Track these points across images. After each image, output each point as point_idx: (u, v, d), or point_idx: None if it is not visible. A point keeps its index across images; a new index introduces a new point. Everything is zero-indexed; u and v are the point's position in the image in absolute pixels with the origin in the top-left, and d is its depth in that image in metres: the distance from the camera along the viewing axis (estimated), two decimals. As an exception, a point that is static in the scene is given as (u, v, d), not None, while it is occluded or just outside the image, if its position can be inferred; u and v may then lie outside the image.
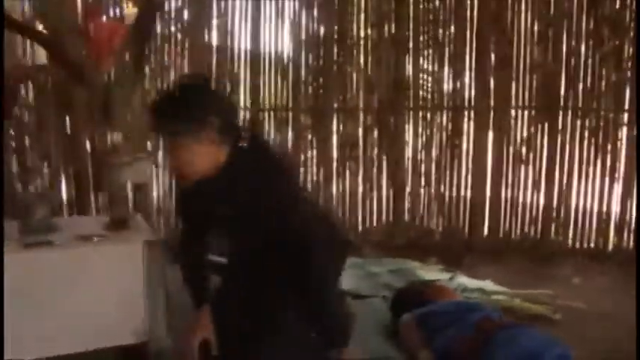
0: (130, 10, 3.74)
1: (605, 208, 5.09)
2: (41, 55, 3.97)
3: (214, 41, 5.04)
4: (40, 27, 3.89)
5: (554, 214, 5.19)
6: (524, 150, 5.24)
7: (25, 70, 4.15)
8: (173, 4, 4.68)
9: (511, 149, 5.26)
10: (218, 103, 2.19)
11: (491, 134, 5.26)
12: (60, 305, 2.55)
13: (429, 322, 2.70)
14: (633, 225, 4.97)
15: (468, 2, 5.14)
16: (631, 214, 4.97)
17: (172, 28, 4.88)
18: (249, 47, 5.11)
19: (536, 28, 5.11)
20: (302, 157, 5.24)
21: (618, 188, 5.07)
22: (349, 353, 2.35)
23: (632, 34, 4.90)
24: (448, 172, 5.33)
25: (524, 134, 5.23)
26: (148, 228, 2.87)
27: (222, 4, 5.02)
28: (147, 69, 4.38)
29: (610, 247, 5.10)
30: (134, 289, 2.59)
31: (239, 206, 2.16)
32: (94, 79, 2.74)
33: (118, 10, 4.41)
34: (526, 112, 5.22)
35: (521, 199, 5.30)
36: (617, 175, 5.06)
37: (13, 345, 2.22)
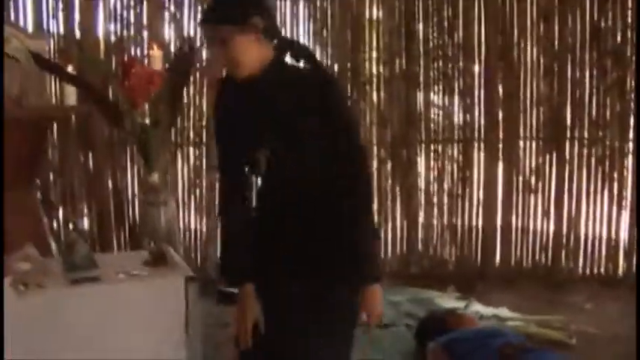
0: (156, 53, 3.90)
1: (613, 235, 5.25)
2: (70, 96, 4.12)
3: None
4: (70, 69, 4.08)
5: (564, 241, 5.33)
6: (533, 179, 5.41)
7: (55, 110, 4.32)
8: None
9: (520, 179, 5.42)
10: (261, 5, 2.16)
11: (500, 165, 5.42)
12: (104, 340, 2.68)
13: (455, 349, 2.84)
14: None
15: (476, 38, 5.33)
16: (638, 240, 5.10)
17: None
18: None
19: (542, 61, 5.29)
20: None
21: (626, 215, 5.22)
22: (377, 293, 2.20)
23: (633, 66, 5.09)
24: (460, 203, 5.48)
25: (533, 164, 5.40)
26: (184, 263, 3.01)
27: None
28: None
29: (620, 272, 5.24)
30: (175, 325, 2.73)
31: (290, 114, 2.12)
32: (132, 122, 2.91)
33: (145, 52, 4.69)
34: (534, 143, 5.39)
35: (531, 227, 5.45)
36: (624, 203, 5.22)
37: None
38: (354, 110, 2.11)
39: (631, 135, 5.16)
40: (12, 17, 4.78)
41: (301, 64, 2.19)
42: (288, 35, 5.18)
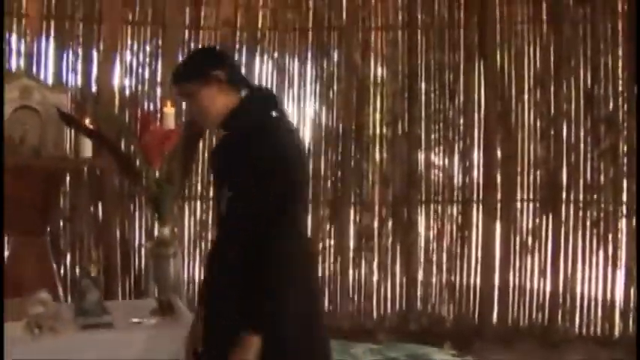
0: (169, 110, 4.09)
1: (609, 295, 5.35)
2: (85, 149, 4.29)
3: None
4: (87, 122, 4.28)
5: (561, 300, 5.43)
6: (530, 239, 5.54)
7: (70, 162, 4.49)
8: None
9: (518, 239, 5.56)
10: (223, 58, 2.36)
11: (498, 225, 5.57)
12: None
13: None
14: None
15: (476, 102, 5.54)
16: (634, 301, 5.21)
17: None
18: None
19: (538, 125, 5.50)
20: (320, 246, 5.52)
21: (621, 275, 5.34)
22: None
23: (625, 132, 5.30)
24: (458, 261, 5.60)
25: (530, 225, 5.54)
26: (190, 314, 3.12)
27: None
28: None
29: (616, 332, 5.32)
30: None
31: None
32: (147, 178, 3.07)
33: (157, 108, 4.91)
34: (531, 204, 5.55)
35: (528, 287, 5.55)
36: (619, 264, 5.35)
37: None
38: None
39: (624, 198, 5.31)
40: (34, 70, 5.03)
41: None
42: (296, 95, 5.45)
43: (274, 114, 2.28)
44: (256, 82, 5.43)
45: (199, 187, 5.48)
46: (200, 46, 5.37)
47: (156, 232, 3.77)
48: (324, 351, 2.36)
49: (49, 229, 4.72)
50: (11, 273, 3.88)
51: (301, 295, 2.19)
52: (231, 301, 2.19)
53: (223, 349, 2.13)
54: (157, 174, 3.03)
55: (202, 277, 2.58)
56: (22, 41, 5.19)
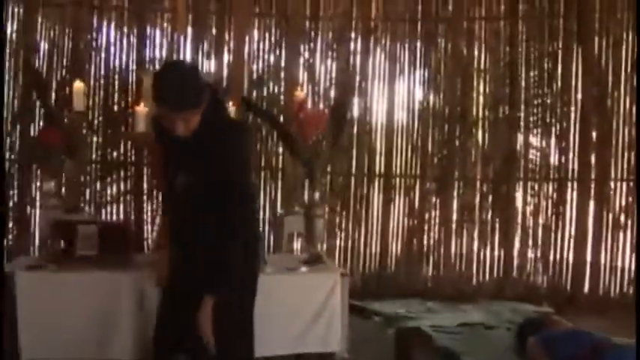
0: (300, 94, 4.70)
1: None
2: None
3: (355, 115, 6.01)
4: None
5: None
6: (622, 217, 5.92)
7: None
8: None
9: (610, 217, 5.94)
10: (204, 82, 2.76)
11: (592, 203, 5.97)
12: (275, 318, 3.42)
13: (549, 342, 3.42)
14: None
15: (573, 88, 5.94)
16: None
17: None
18: (384, 122, 6.07)
19: (633, 110, 5.84)
20: (426, 217, 6.08)
21: None
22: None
23: None
24: (553, 235, 6.04)
25: (623, 204, 5.91)
26: (335, 264, 3.75)
27: (363, 84, 6.02)
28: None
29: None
30: (332, 308, 3.46)
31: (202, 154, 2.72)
32: (304, 152, 3.69)
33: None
34: (624, 184, 5.91)
35: (620, 262, 5.94)
36: None
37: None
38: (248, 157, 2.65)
39: None
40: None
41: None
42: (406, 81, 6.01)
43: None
44: (369, 69, 6.04)
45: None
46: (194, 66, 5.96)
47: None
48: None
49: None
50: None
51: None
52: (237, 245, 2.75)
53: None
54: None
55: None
56: (165, 34, 5.93)
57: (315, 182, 3.66)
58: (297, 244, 4.76)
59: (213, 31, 6.03)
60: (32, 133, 5.61)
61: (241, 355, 2.91)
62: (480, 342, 3.76)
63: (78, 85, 4.57)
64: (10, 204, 5.80)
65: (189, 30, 5.94)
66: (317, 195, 3.68)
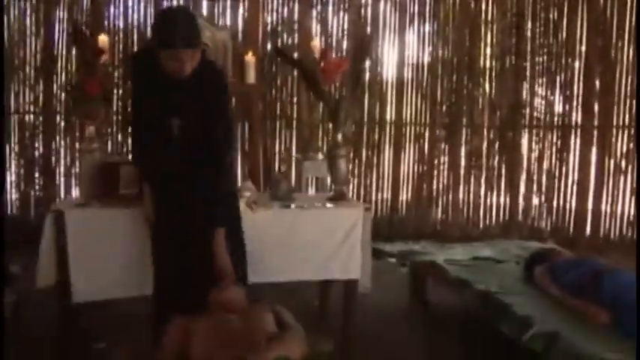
0: (315, 43, 4.91)
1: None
2: (250, 76, 5.12)
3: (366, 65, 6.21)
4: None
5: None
6: (623, 163, 6.18)
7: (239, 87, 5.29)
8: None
9: (612, 162, 6.21)
10: (202, 29, 3.12)
11: (594, 149, 6.23)
12: (305, 247, 3.70)
13: (556, 270, 3.71)
14: None
15: (578, 38, 6.15)
16: None
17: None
18: (395, 73, 6.29)
19: (636, 60, 6.06)
20: (435, 163, 6.35)
21: None
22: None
23: None
24: (556, 181, 6.32)
25: (624, 150, 6.17)
26: (357, 201, 4.00)
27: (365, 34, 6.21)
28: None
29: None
30: (354, 240, 3.73)
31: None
32: (328, 96, 3.93)
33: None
34: (625, 131, 6.16)
35: (620, 205, 6.23)
36: None
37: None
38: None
39: None
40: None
41: None
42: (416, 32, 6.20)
43: None
44: (381, 21, 6.23)
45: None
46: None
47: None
48: None
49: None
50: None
51: None
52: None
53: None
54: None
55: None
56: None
57: (338, 124, 3.90)
58: (311, 188, 5.06)
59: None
60: (58, 86, 5.92)
61: (243, 278, 3.17)
62: (490, 273, 4.06)
63: (102, 38, 4.78)
64: (36, 154, 6.10)
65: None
66: (340, 137, 3.92)
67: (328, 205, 3.85)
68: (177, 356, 2.35)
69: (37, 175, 6.14)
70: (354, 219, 3.74)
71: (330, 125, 4.46)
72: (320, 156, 4.88)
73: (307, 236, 3.68)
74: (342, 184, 3.98)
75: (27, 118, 6.09)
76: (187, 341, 2.34)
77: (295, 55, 5.96)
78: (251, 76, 5.11)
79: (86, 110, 3.63)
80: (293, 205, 3.80)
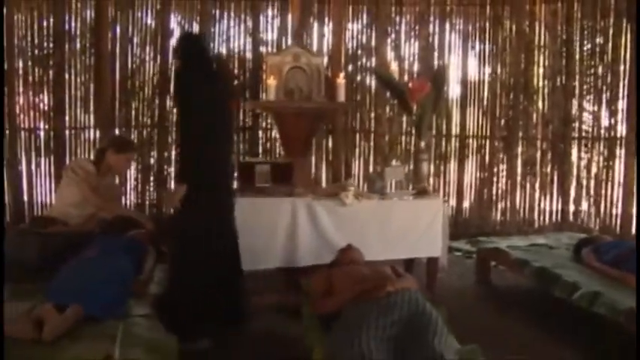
0: (394, 67, 5.88)
1: None
2: (340, 95, 6.07)
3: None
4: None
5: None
6: (664, 170, 6.96)
7: (328, 105, 6.26)
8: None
9: (654, 170, 6.98)
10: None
11: (637, 159, 7.00)
12: (396, 232, 4.67)
13: (599, 249, 4.57)
14: None
15: (622, 60, 6.97)
16: None
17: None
18: (459, 92, 7.25)
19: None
20: (495, 171, 7.25)
21: None
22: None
23: None
24: (603, 185, 7.12)
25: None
26: (438, 195, 4.94)
27: (442, 62, 7.18)
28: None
29: None
30: (436, 226, 4.69)
31: None
32: (413, 111, 4.93)
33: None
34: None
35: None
36: None
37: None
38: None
39: None
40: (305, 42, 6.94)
41: None
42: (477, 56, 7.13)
43: None
44: (446, 46, 7.20)
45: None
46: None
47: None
48: None
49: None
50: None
51: None
52: None
53: None
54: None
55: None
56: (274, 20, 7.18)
57: (421, 134, 4.88)
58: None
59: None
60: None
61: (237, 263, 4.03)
62: (545, 255, 4.96)
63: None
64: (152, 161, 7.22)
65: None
66: (423, 143, 4.90)
67: (415, 198, 4.82)
68: (323, 294, 3.33)
69: (151, 179, 7.24)
70: (435, 209, 4.71)
71: (404, 137, 5.38)
72: (398, 163, 5.86)
73: (400, 222, 4.66)
74: (424, 182, 4.95)
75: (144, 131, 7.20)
76: (330, 282, 3.33)
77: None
78: (341, 96, 6.04)
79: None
80: (391, 198, 4.78)
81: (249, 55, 7.27)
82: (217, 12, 7.20)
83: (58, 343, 2.89)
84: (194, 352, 3.53)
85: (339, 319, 3.02)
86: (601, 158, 7.15)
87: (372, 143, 7.32)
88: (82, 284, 3.31)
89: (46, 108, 6.93)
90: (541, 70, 7.25)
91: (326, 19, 7.26)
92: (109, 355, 2.75)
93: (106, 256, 3.73)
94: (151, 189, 7.26)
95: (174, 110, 6.96)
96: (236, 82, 7.08)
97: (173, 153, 7.15)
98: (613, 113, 7.06)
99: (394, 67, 5.98)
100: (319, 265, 4.06)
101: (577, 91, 7.14)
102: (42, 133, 6.94)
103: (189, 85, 3.68)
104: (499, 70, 7.24)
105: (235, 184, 4.52)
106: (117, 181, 5.87)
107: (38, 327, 2.95)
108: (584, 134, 7.17)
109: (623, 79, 6.97)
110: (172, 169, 7.16)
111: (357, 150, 7.34)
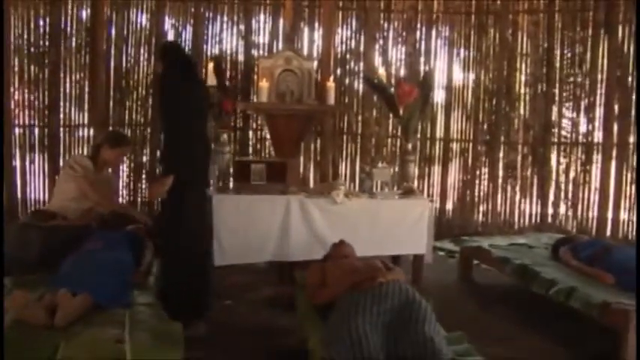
0: (383, 73, 6.12)
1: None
2: (330, 98, 6.29)
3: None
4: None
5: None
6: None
7: (319, 107, 6.47)
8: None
9: (629, 174, 7.27)
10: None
11: (613, 163, 7.29)
12: (384, 229, 4.90)
13: (575, 248, 4.84)
14: None
15: (599, 68, 7.25)
16: None
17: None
18: (443, 97, 7.51)
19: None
20: (477, 174, 7.51)
21: None
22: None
23: None
24: (581, 188, 7.40)
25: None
26: (423, 196, 5.18)
27: (427, 67, 7.42)
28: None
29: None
30: (422, 224, 4.93)
31: None
32: (400, 114, 5.16)
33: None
34: (640, 148, 7.24)
35: (635, 213, 7.27)
36: None
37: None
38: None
39: None
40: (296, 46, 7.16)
41: None
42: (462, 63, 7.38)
43: None
44: (432, 52, 7.45)
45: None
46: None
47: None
48: None
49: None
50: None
51: None
52: None
53: None
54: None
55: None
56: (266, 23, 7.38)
57: (408, 136, 5.12)
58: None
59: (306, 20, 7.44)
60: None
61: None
62: (525, 253, 5.21)
63: (211, 65, 6.04)
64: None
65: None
66: (409, 146, 5.14)
67: (401, 197, 5.05)
68: (318, 286, 3.55)
69: (144, 177, 7.41)
70: (421, 208, 4.95)
71: (390, 140, 5.61)
72: (385, 164, 6.09)
73: (388, 220, 4.89)
74: (411, 182, 5.18)
75: (137, 130, 7.36)
76: (324, 274, 3.54)
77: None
78: (331, 98, 6.25)
79: (223, 122, 4.89)
80: (378, 198, 5.01)
81: (241, 57, 7.44)
82: (210, 14, 7.38)
83: (71, 328, 3.06)
84: (193, 339, 3.70)
85: (333, 308, 3.23)
86: (579, 163, 7.43)
87: (358, 145, 7.54)
88: (90, 274, 3.50)
89: (40, 105, 7.07)
90: (523, 78, 7.53)
91: (316, 24, 7.47)
92: (120, 339, 2.93)
93: (110, 248, 3.91)
94: (143, 186, 7.42)
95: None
96: (228, 83, 7.25)
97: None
98: (590, 120, 7.34)
99: (382, 71, 6.17)
100: (312, 260, 4.27)
101: (557, 98, 7.42)
102: (36, 131, 7.07)
103: (172, 86, 3.92)
104: (482, 77, 7.51)
105: (231, 182, 4.72)
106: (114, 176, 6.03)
107: (50, 313, 3.12)
108: (563, 140, 7.46)
109: (600, 88, 7.24)
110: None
111: (344, 151, 7.55)
